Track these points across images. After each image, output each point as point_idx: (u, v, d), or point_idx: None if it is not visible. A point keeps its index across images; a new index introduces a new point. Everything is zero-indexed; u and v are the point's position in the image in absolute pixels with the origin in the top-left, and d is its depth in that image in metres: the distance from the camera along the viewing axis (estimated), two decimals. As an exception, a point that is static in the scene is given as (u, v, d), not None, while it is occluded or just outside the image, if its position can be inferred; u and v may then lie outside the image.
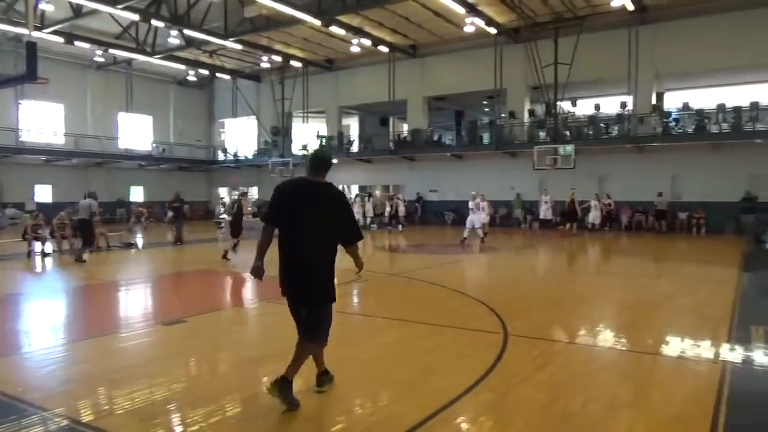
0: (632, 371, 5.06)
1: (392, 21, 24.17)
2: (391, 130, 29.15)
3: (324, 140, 31.36)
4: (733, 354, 5.48)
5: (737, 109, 20.91)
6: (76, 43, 25.42)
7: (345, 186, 31.06)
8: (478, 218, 16.80)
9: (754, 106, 20.74)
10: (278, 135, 32.00)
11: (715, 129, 21.34)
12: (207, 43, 25.97)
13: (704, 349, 5.71)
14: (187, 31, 24.41)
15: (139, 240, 18.47)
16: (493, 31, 23.59)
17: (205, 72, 31.93)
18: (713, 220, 21.63)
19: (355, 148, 31.31)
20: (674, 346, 5.85)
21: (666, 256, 15.51)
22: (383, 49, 26.81)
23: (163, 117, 34.78)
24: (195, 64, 30.71)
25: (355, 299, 9.00)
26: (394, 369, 4.95)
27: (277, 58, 29.21)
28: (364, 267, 4.40)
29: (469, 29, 23.21)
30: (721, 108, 21.33)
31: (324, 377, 4.46)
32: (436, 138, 30.08)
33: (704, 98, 23.44)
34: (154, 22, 23.31)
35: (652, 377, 4.88)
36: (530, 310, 7.68)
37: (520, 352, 5.45)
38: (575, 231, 20.71)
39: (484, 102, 30.03)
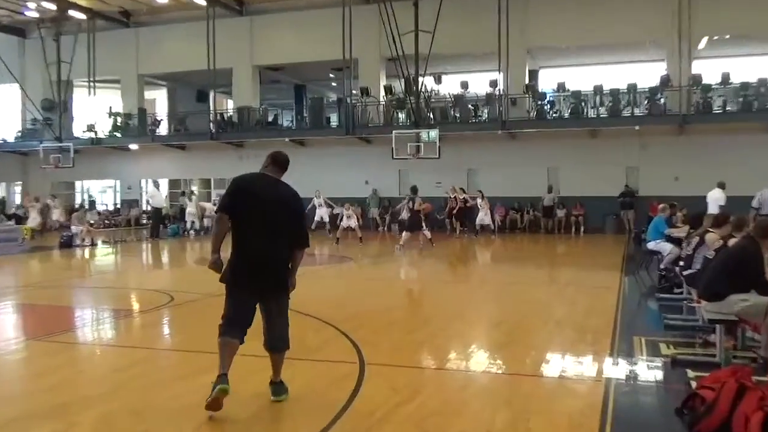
0: (510, 396, 5.40)
1: (211, -35, 23.53)
2: (211, 107, 28.27)
3: (119, 119, 29.63)
4: (616, 369, 6.09)
5: (615, 92, 23.39)
6: None
7: (148, 180, 29.65)
8: (352, 222, 19.43)
9: (632, 88, 23.32)
10: (52, 111, 29.59)
11: (592, 114, 23.69)
12: (-58, -21, 23.27)
13: (586, 366, 6.27)
14: None
15: None
16: (340, -14, 23.94)
17: (-61, 20, 28.61)
18: (593, 217, 23.98)
19: (163, 129, 30.03)
20: (554, 364, 6.36)
21: (543, 260, 16.83)
22: (200, 1, 26.01)
23: None
24: (-76, 7, 27.38)
25: (166, 329, 8.62)
26: (222, 416, 4.79)
27: (51, 6, 27.03)
28: (295, 288, 5.20)
29: (310, -18, 23.34)
30: (598, 90, 23.70)
31: (282, 386, 5.09)
32: (270, 119, 29.79)
33: (581, 78, 25.84)
34: None
35: (532, 401, 5.24)
36: (391, 332, 7.89)
37: (381, 384, 5.56)
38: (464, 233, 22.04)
39: (331, 75, 30.35)
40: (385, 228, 25.74)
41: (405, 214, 21.83)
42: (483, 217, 22.41)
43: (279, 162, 5.16)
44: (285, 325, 5.10)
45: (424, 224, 17.64)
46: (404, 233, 17.32)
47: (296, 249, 5.11)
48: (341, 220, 21.11)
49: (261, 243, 4.90)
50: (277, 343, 5.05)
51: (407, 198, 17.36)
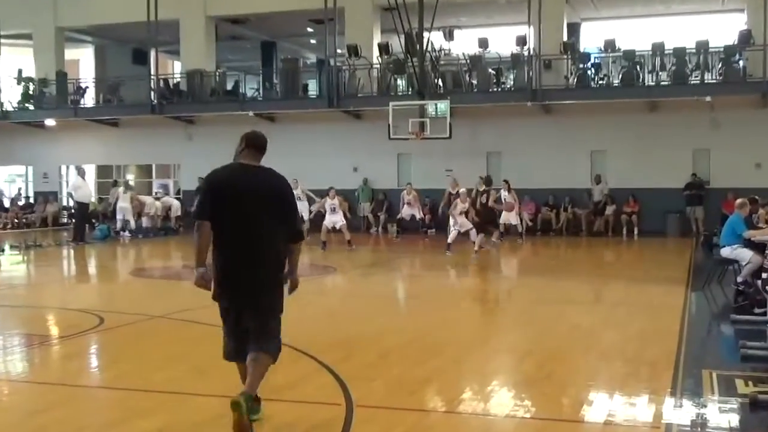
0: (541, 449, 5.44)
1: None
2: (152, 71, 28.23)
3: (30, 86, 29.55)
4: (679, 413, 6.12)
5: (679, 52, 23.37)
6: None
7: (70, 167, 29.65)
8: (338, 219, 20.14)
9: (702, 47, 23.29)
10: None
11: (650, 80, 23.69)
12: None
13: (640, 409, 6.28)
14: None
15: None
16: None
17: None
18: (649, 216, 23.97)
19: (89, 100, 30.05)
20: (599, 406, 6.37)
21: (586, 271, 16.85)
22: (137, -68, 26.00)
23: None
24: None
25: (94, 361, 8.62)
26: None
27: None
28: (298, 287, 5.80)
29: None
30: (657, 49, 23.70)
31: (257, 404, 5.26)
32: (230, 86, 29.80)
33: (636, 34, 25.82)
34: None
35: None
36: (388, 364, 7.91)
37: (373, 433, 5.59)
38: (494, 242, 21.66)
39: (310, 29, 30.35)
40: (380, 229, 25.74)
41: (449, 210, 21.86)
42: (508, 214, 22.22)
43: (257, 145, 5.47)
44: (268, 328, 5.39)
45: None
46: (478, 236, 17.36)
47: (291, 244, 5.59)
48: (312, 214, 21.18)
49: (249, 247, 5.29)
50: (256, 352, 5.29)
51: (479, 191, 17.22)
